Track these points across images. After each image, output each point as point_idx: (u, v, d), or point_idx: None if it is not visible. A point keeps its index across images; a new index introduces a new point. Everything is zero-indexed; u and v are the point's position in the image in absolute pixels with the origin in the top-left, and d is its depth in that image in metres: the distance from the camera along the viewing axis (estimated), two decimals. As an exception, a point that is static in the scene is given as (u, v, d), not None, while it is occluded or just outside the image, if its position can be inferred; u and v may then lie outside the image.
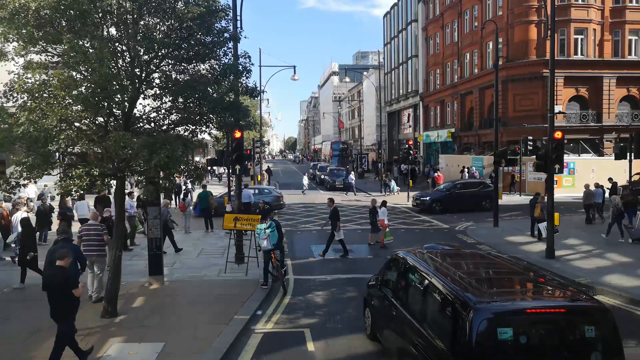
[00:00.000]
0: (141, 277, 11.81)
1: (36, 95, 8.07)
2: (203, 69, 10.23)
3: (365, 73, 64.56)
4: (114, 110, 8.85)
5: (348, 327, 9.01)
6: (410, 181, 35.24)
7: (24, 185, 8.96)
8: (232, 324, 8.88)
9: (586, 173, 28.24)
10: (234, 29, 12.19)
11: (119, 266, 9.49)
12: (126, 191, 15.96)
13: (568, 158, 27.54)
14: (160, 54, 9.04)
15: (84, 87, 8.08)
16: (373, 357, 7.79)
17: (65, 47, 7.81)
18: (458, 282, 5.82)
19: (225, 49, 10.13)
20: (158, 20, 9.15)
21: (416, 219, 22.61)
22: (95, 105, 8.11)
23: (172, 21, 9.08)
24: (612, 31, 34.27)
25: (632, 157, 19.41)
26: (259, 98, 33.60)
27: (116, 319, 9.09)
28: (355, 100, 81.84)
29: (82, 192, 10.05)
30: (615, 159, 21.49)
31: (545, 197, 15.49)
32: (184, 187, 26.13)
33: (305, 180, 35.99)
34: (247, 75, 10.50)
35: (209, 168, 27.58)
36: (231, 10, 10.87)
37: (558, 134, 14.16)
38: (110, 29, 8.81)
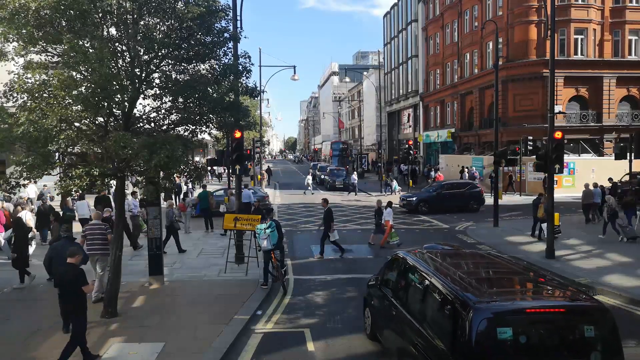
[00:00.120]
0: (141, 277, 11.81)
1: (36, 95, 8.07)
2: (203, 69, 10.23)
3: (365, 73, 64.57)
4: (114, 110, 8.85)
5: (348, 327, 9.01)
6: (411, 181, 35.30)
7: (24, 185, 8.97)
8: (232, 324, 8.88)
9: (586, 173, 28.25)
10: (234, 29, 12.19)
11: (119, 266, 9.49)
12: (130, 191, 16.03)
13: (568, 158, 27.55)
14: (160, 54, 9.04)
15: (84, 87, 8.09)
16: (373, 357, 7.79)
17: (65, 47, 7.81)
18: (458, 282, 5.82)
19: (225, 49, 10.13)
20: (158, 20, 9.15)
21: (416, 219, 22.61)
22: (95, 105, 8.12)
23: (172, 21, 9.08)
24: (612, 31, 34.28)
25: (632, 157, 19.41)
26: (259, 98, 33.61)
27: (116, 319, 9.10)
28: (355, 100, 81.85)
29: (81, 192, 10.07)
30: (616, 159, 21.50)
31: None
32: (184, 187, 26.16)
33: (309, 180, 35.82)
34: (247, 75, 10.51)
35: (209, 168, 27.59)
36: (231, 10, 10.87)
37: (558, 134, 14.17)
38: (110, 29, 8.81)
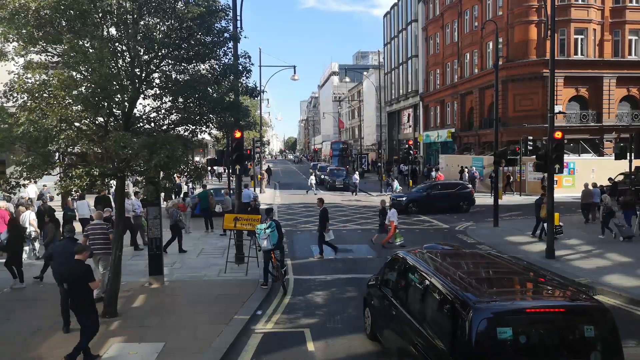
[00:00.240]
0: (141, 277, 11.81)
1: (36, 95, 8.07)
2: (203, 69, 10.23)
3: (365, 73, 64.59)
4: (114, 110, 8.85)
5: (348, 327, 9.01)
6: (411, 181, 35.29)
7: (24, 185, 8.97)
8: (232, 324, 8.88)
9: (586, 173, 28.26)
10: (234, 29, 12.19)
11: (119, 266, 9.50)
12: (133, 191, 16.04)
13: (568, 158, 27.55)
14: (160, 54, 9.05)
15: (84, 87, 8.09)
16: (373, 357, 7.79)
17: (65, 47, 7.81)
18: (458, 282, 5.82)
19: (225, 49, 10.13)
20: (158, 20, 9.15)
21: (416, 219, 22.61)
22: (95, 105, 8.12)
23: (172, 21, 9.08)
24: (612, 31, 34.29)
25: (632, 157, 19.40)
26: (259, 98, 33.61)
27: (116, 318, 9.09)
28: (355, 100, 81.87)
29: (82, 192, 10.08)
30: (616, 159, 21.46)
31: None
32: (185, 187, 26.15)
33: (313, 181, 35.85)
34: (247, 75, 10.51)
35: (209, 168, 27.59)
36: (231, 10, 10.87)
37: (558, 134, 14.17)
38: (110, 29, 8.81)
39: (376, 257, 14.70)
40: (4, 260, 11.65)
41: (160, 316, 9.31)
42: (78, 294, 7.23)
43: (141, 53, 8.88)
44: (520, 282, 6.33)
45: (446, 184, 27.49)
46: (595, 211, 19.69)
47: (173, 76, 9.68)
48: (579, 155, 32.90)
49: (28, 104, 8.04)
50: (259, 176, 35.74)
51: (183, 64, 9.72)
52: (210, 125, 10.32)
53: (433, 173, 34.64)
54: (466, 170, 33.01)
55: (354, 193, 33.87)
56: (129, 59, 8.94)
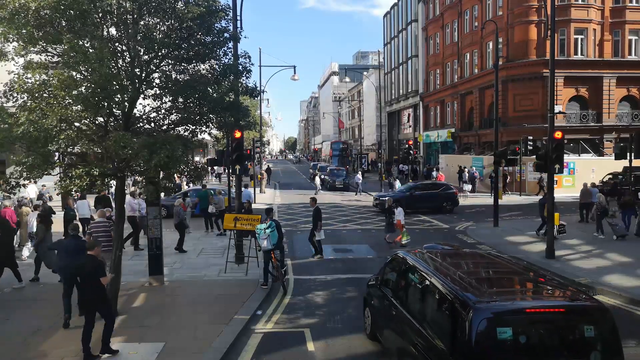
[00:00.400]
0: (141, 277, 11.82)
1: (36, 95, 8.07)
2: (203, 69, 10.23)
3: (365, 73, 64.59)
4: (114, 110, 8.85)
5: (348, 327, 9.01)
6: (411, 181, 35.28)
7: (24, 186, 8.97)
8: (232, 324, 8.88)
9: (586, 173, 28.25)
10: (234, 29, 12.19)
11: (119, 266, 9.50)
12: (137, 191, 16.06)
13: (568, 158, 27.55)
14: (160, 54, 9.04)
15: (84, 87, 8.09)
16: (373, 357, 7.79)
17: (65, 47, 7.81)
18: (458, 281, 5.82)
19: (225, 49, 10.13)
20: (158, 20, 9.15)
21: (416, 219, 22.60)
22: (95, 105, 8.12)
23: (172, 21, 9.08)
24: (612, 31, 34.29)
25: (632, 157, 19.40)
26: (259, 98, 33.57)
27: (116, 318, 9.08)
28: (355, 100, 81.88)
29: (81, 192, 10.09)
30: (616, 159, 21.46)
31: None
32: (185, 188, 26.14)
33: (318, 181, 35.72)
34: (247, 75, 10.51)
35: (209, 168, 27.59)
36: (231, 10, 10.87)
37: (558, 134, 14.17)
38: (110, 29, 8.81)
39: (376, 257, 14.71)
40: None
41: (160, 316, 9.32)
42: (90, 289, 7.41)
43: (141, 53, 8.88)
44: (520, 282, 6.33)
45: (430, 184, 27.58)
46: (593, 210, 19.75)
47: (173, 76, 9.68)
48: (579, 155, 32.91)
49: (28, 104, 8.04)
50: (259, 176, 35.75)
51: (183, 64, 9.72)
52: (210, 125, 10.31)
53: (434, 173, 34.60)
54: (466, 170, 33.00)
55: (357, 193, 33.86)
56: (129, 59, 8.94)
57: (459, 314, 5.18)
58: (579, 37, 33.71)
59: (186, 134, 10.19)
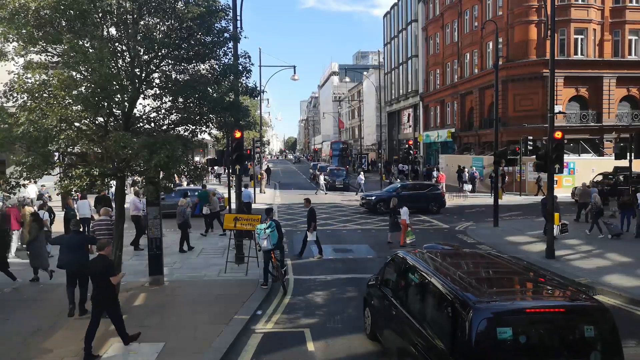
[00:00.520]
0: (141, 277, 11.81)
1: (36, 95, 8.08)
2: (203, 69, 10.24)
3: (365, 73, 64.59)
4: (114, 110, 8.86)
5: (348, 327, 9.01)
6: (411, 181, 35.25)
7: (24, 186, 8.97)
8: (232, 324, 8.88)
9: (586, 173, 28.25)
10: (234, 29, 12.18)
11: (119, 266, 9.50)
12: (141, 191, 16.06)
13: (568, 158, 27.55)
14: (160, 54, 9.05)
15: (84, 87, 8.10)
16: (373, 357, 7.79)
17: (65, 47, 7.82)
18: (458, 281, 5.82)
19: (225, 49, 10.14)
20: (158, 20, 9.16)
21: (416, 219, 22.59)
22: (95, 105, 8.12)
23: (172, 21, 9.09)
24: (612, 31, 34.29)
25: (632, 157, 19.41)
26: (259, 98, 33.57)
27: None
28: (355, 100, 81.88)
29: (81, 192, 10.10)
30: (615, 159, 21.49)
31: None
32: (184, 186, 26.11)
33: (322, 181, 35.74)
34: (247, 75, 10.52)
35: (209, 168, 27.57)
36: (231, 10, 10.88)
37: (558, 134, 14.17)
38: (110, 29, 8.82)
39: (376, 257, 14.70)
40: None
41: (160, 316, 9.31)
42: (100, 288, 7.49)
43: (141, 53, 8.88)
44: (520, 282, 6.33)
45: (417, 184, 27.59)
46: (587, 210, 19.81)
47: (173, 76, 9.69)
48: (579, 155, 32.91)
49: (28, 104, 8.05)
50: (258, 176, 35.75)
51: (183, 64, 9.73)
52: (210, 125, 10.32)
53: (434, 173, 34.56)
54: (466, 170, 32.99)
55: (357, 193, 33.79)
56: (129, 59, 8.95)
57: (459, 314, 5.18)
58: (579, 37, 33.71)
59: (186, 134, 10.20)
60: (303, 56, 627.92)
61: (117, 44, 8.85)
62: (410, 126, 55.51)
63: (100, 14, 8.35)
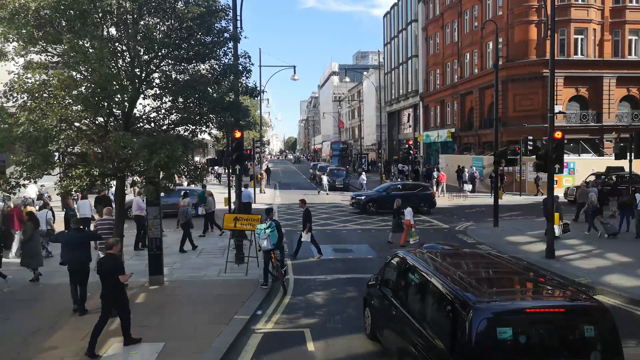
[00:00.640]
0: (141, 277, 11.80)
1: (36, 95, 8.09)
2: (203, 69, 10.25)
3: (365, 73, 64.60)
4: (114, 110, 8.86)
5: (348, 327, 9.01)
6: (411, 181, 35.25)
7: (24, 186, 8.97)
8: (232, 324, 8.88)
9: (586, 173, 28.25)
10: (234, 29, 12.19)
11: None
12: (141, 191, 16.07)
13: (568, 158, 27.54)
14: (160, 54, 9.06)
15: (84, 87, 8.10)
16: (373, 357, 7.79)
17: (65, 47, 7.83)
18: (458, 281, 5.82)
19: (225, 49, 10.15)
20: (158, 20, 9.16)
21: (416, 219, 22.56)
22: (95, 105, 8.13)
23: (172, 21, 9.10)
24: (612, 31, 34.28)
25: (632, 157, 19.42)
26: (259, 98, 33.58)
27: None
28: (355, 100, 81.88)
29: (81, 192, 10.11)
30: (615, 159, 21.49)
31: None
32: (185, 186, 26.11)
33: (325, 181, 35.74)
34: (247, 75, 10.53)
35: (209, 168, 27.58)
36: (231, 10, 10.89)
37: (558, 134, 14.16)
38: (110, 29, 8.82)
39: (376, 257, 14.70)
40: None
41: (160, 316, 9.32)
42: (109, 287, 7.57)
43: (141, 53, 8.89)
44: (520, 282, 6.33)
45: (407, 184, 27.65)
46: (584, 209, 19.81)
47: (173, 76, 9.70)
48: (579, 155, 32.91)
49: (28, 104, 8.05)
50: (258, 176, 35.75)
51: (183, 64, 9.73)
52: (210, 125, 10.33)
53: (435, 173, 34.55)
54: (466, 170, 32.98)
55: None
56: (129, 59, 8.95)
57: (459, 314, 5.18)
58: (579, 37, 33.70)
59: (186, 134, 10.20)
60: (303, 56, 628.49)
61: (117, 44, 8.86)
62: (410, 126, 55.51)
63: (100, 14, 8.36)
